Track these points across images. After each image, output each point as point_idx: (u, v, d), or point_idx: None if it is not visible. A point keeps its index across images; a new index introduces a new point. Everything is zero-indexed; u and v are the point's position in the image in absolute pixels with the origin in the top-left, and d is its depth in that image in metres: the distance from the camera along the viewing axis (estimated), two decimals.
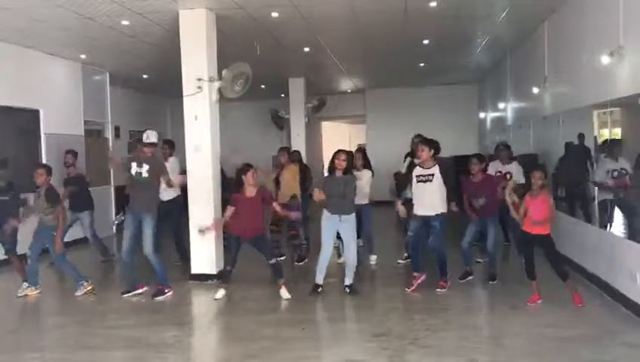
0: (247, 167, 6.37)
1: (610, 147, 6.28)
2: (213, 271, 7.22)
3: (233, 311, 6.18)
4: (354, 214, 6.56)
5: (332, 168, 6.47)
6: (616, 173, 6.17)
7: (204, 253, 7.29)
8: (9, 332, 5.66)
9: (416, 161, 6.73)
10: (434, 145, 6.50)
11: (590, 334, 5.00)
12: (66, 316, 6.15)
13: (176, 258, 8.34)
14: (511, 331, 5.21)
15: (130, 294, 6.65)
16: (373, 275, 7.60)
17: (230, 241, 6.52)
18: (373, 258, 8.14)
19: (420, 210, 6.47)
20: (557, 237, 7.21)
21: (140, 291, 6.70)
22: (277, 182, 8.24)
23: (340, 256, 7.90)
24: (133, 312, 6.18)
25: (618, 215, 6.05)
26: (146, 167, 6.49)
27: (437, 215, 6.37)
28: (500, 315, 5.71)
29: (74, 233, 8.89)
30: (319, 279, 6.55)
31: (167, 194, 7.91)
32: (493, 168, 7.87)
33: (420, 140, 6.75)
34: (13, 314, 6.39)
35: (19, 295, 6.78)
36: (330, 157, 6.57)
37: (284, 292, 6.46)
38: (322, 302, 6.36)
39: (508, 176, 7.62)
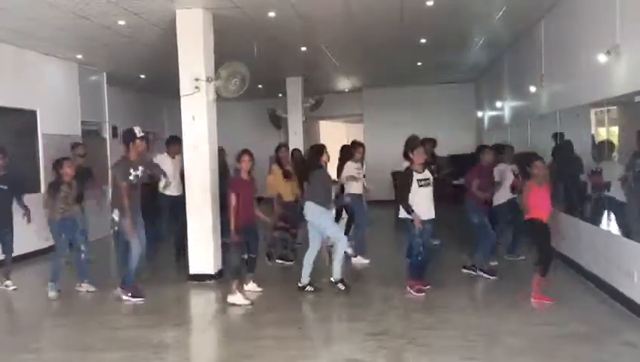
0: (242, 153, 6.38)
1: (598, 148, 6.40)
2: (211, 271, 7.21)
3: (230, 311, 6.17)
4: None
5: (321, 162, 6.55)
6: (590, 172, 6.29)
7: (202, 253, 7.27)
8: (5, 332, 5.64)
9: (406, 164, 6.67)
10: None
11: (588, 332, 5.00)
12: (63, 316, 6.15)
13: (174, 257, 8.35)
14: (509, 329, 5.20)
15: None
16: (371, 274, 7.59)
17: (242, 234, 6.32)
18: (361, 258, 8.11)
19: (424, 214, 6.30)
20: (552, 233, 7.25)
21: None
22: (289, 174, 8.15)
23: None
24: (130, 313, 6.17)
25: (613, 212, 6.05)
26: (140, 168, 6.44)
27: (432, 219, 6.39)
28: (498, 313, 5.70)
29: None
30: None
31: (177, 189, 7.99)
32: (507, 169, 7.67)
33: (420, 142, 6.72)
34: (9, 315, 6.38)
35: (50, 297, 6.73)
36: (318, 151, 6.63)
37: (253, 286, 6.56)
38: (319, 301, 6.36)
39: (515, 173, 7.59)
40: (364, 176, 8.26)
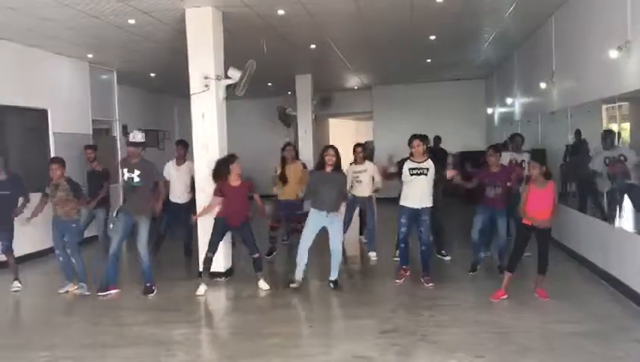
0: (233, 158, 6.60)
1: (605, 137, 6.37)
2: (222, 269, 7.23)
3: (242, 309, 6.20)
4: (342, 210, 6.70)
5: (322, 164, 6.55)
6: (607, 161, 6.22)
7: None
8: (19, 330, 5.69)
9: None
10: (426, 140, 6.74)
11: (600, 330, 4.98)
12: (76, 314, 6.20)
13: (182, 257, 8.43)
14: (520, 327, 5.19)
15: (105, 294, 6.60)
16: (380, 271, 7.59)
17: (216, 225, 6.61)
18: (372, 254, 8.18)
19: (410, 202, 6.54)
20: (566, 232, 7.21)
21: (113, 292, 6.67)
22: (283, 178, 8.22)
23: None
24: (142, 310, 6.20)
25: (627, 209, 6.00)
26: (137, 172, 6.42)
27: (426, 208, 6.53)
28: (509, 311, 5.69)
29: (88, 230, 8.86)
30: (299, 275, 6.64)
31: (182, 197, 8.13)
32: (506, 157, 7.70)
33: (414, 135, 6.74)
34: (22, 313, 6.44)
35: (60, 292, 6.79)
36: (320, 153, 6.67)
37: (263, 284, 6.70)
38: (330, 298, 6.37)
39: (523, 165, 7.55)
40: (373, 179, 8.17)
